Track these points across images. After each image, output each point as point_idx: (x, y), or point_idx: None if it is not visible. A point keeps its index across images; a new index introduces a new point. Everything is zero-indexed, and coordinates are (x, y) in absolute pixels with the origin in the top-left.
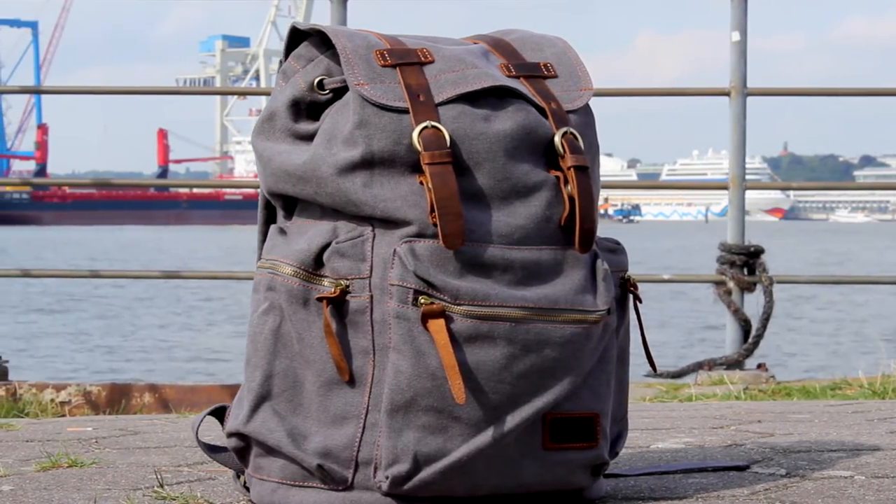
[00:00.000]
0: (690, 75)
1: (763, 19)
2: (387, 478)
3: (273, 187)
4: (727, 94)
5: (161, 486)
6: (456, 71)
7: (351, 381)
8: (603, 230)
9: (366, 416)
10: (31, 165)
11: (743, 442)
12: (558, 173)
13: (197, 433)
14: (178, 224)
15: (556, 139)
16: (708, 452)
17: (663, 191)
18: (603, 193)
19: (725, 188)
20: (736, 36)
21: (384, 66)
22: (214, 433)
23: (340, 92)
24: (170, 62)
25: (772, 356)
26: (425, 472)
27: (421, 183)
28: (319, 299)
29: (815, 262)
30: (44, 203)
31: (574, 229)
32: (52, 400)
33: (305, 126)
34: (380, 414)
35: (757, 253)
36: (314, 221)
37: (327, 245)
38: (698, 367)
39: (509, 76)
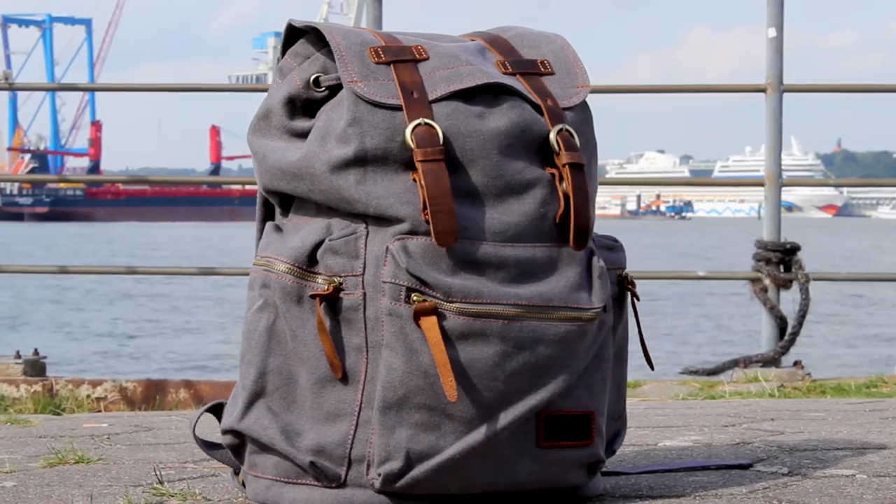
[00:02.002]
0: (743, 71)
1: (818, 15)
2: (379, 475)
3: (269, 185)
4: (763, 90)
5: (160, 482)
6: (450, 68)
7: (344, 379)
8: (655, 226)
9: (359, 413)
10: (84, 162)
11: (751, 440)
12: (553, 171)
13: (194, 430)
14: (230, 221)
15: (552, 136)
16: (714, 451)
17: (715, 187)
18: (655, 190)
19: (762, 185)
20: (772, 32)
21: (378, 63)
22: (217, 430)
23: (336, 89)
24: (223, 59)
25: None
26: (418, 470)
27: (414, 180)
28: (313, 296)
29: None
30: (97, 200)
31: (569, 227)
32: (88, 396)
33: (301, 123)
34: (373, 411)
35: (793, 250)
36: (309, 219)
37: (321, 242)
38: (734, 364)
39: (505, 73)
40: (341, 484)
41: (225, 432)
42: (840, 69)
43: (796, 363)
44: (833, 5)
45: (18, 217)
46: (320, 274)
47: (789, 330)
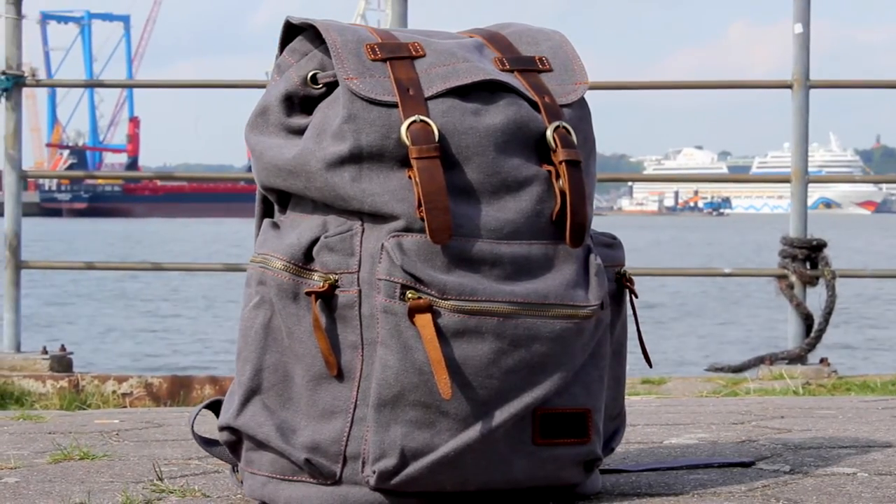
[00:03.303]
0: (783, 67)
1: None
2: (374, 472)
3: (266, 182)
4: (789, 86)
5: (160, 479)
6: (447, 65)
7: (339, 376)
8: (692, 223)
9: (354, 410)
10: (123, 158)
11: (757, 438)
12: (550, 168)
13: (192, 427)
14: None
15: (549, 133)
16: (718, 448)
17: (753, 184)
18: (692, 186)
19: (788, 181)
20: (798, 28)
21: (374, 59)
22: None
23: (334, 86)
24: (261, 55)
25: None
26: (412, 467)
27: (409, 177)
28: (308, 294)
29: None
30: (136, 196)
31: (565, 224)
32: (114, 392)
33: (298, 120)
34: (368, 408)
35: (819, 247)
36: (306, 216)
37: (317, 239)
38: (759, 361)
39: (503, 70)
40: (336, 481)
41: (222, 429)
42: (881, 64)
43: (822, 360)
44: (874, 1)
45: (57, 213)
46: (316, 271)
47: (815, 327)
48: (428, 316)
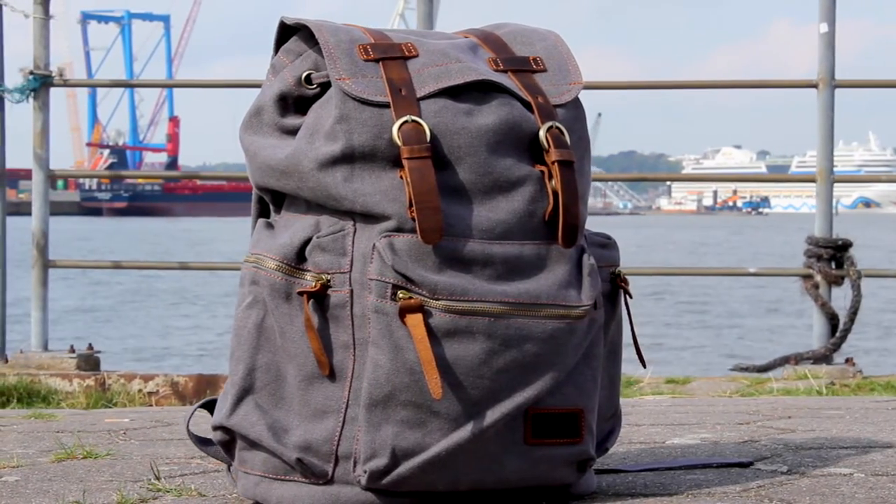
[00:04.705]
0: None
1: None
2: (365, 472)
3: (260, 182)
4: (815, 86)
5: (157, 478)
6: (439, 65)
7: (331, 376)
8: (731, 222)
9: (346, 410)
10: (162, 157)
11: (759, 438)
12: (543, 168)
13: (188, 426)
14: None
15: (541, 133)
16: (719, 449)
17: (792, 183)
18: (731, 186)
19: (813, 181)
20: (824, 27)
21: (367, 60)
22: None
23: (328, 87)
24: None
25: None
26: (403, 467)
27: (401, 178)
28: (300, 293)
29: None
30: (175, 195)
31: (558, 224)
32: (140, 390)
33: (292, 121)
34: (359, 408)
35: (845, 246)
36: (300, 216)
37: (310, 239)
38: (784, 361)
39: (496, 70)
40: (328, 481)
41: (215, 428)
42: None
43: (848, 360)
44: None
45: (97, 212)
46: (309, 271)
47: (840, 327)
48: (419, 316)
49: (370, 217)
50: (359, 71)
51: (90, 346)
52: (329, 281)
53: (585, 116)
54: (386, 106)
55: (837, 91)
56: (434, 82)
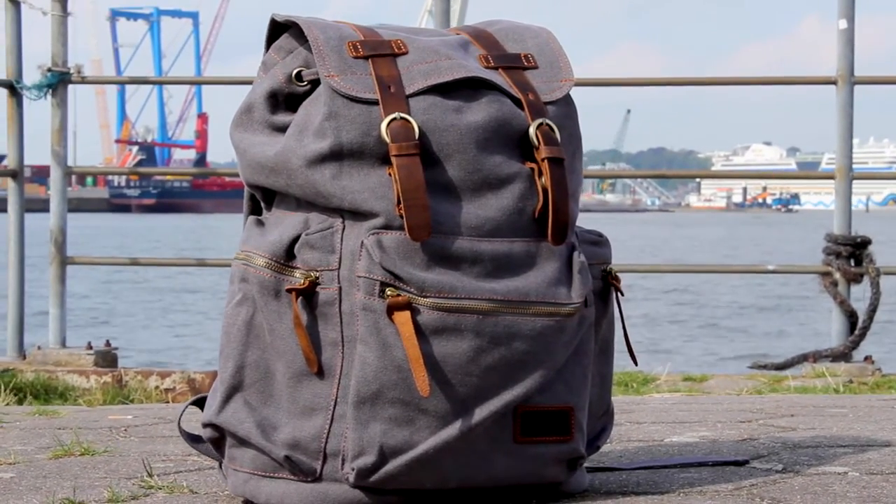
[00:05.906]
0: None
1: None
2: (353, 470)
3: (250, 179)
4: (834, 82)
5: (150, 475)
6: (429, 62)
7: (320, 373)
8: (759, 219)
9: (334, 407)
10: (191, 154)
11: (758, 437)
12: (533, 165)
13: (179, 423)
14: None
15: (531, 131)
16: (716, 447)
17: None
18: (761, 183)
19: (832, 178)
20: (843, 24)
21: (356, 57)
22: None
23: (318, 84)
24: None
25: None
26: (391, 465)
27: (389, 175)
28: (289, 291)
29: None
30: (204, 191)
31: (548, 221)
32: (157, 387)
33: (283, 118)
34: (347, 406)
35: (864, 244)
36: (290, 213)
37: (299, 237)
38: (803, 359)
39: (487, 67)
40: (317, 478)
41: (205, 426)
42: None
43: (866, 358)
44: None
45: (126, 209)
46: (297, 268)
47: (859, 325)
48: (407, 313)
49: (359, 214)
50: (348, 68)
51: (108, 343)
52: (318, 278)
53: (577, 113)
54: (375, 103)
55: (869, 87)
56: (423, 79)
